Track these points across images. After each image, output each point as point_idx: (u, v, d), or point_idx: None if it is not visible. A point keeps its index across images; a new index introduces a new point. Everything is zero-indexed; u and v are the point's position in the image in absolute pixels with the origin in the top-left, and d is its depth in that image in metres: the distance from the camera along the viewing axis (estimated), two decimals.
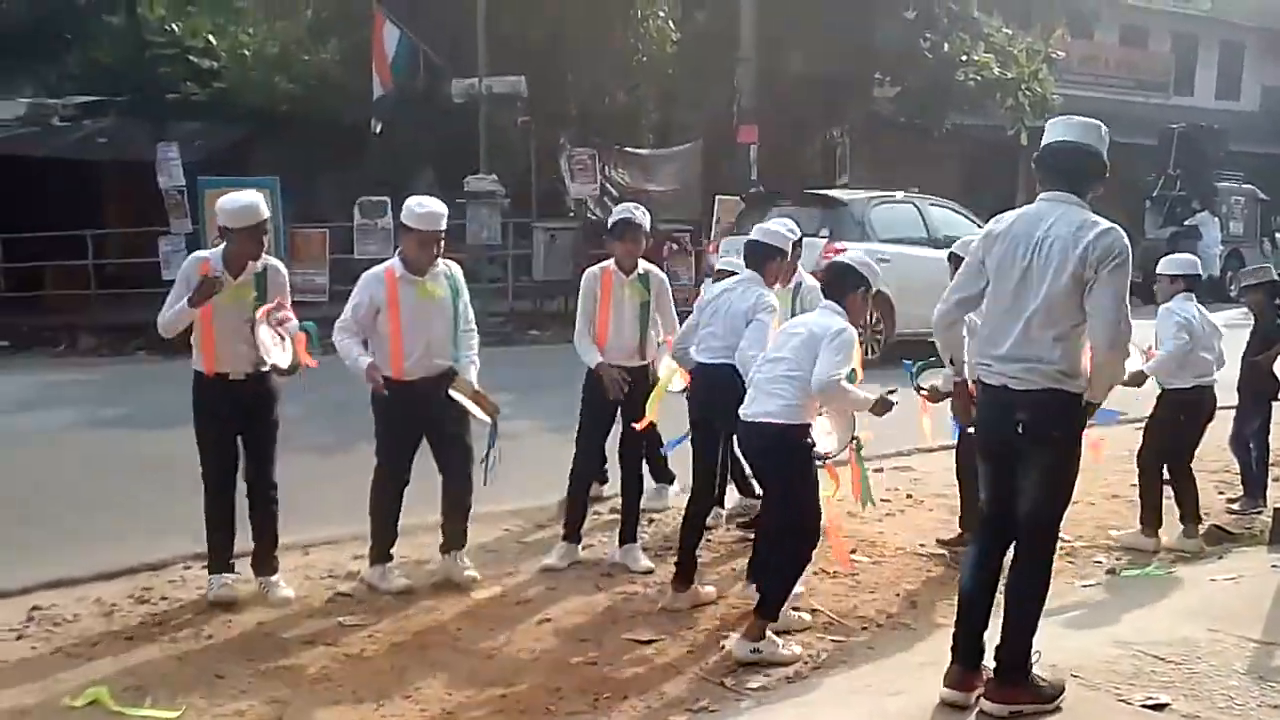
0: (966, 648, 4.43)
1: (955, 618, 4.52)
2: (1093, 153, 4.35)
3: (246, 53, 22.59)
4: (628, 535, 6.51)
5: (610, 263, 6.48)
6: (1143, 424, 7.17)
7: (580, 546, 6.54)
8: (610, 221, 6.58)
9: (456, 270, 6.13)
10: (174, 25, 22.84)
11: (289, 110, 21.08)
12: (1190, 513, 6.88)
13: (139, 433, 9.89)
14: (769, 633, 5.06)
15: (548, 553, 6.48)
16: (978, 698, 4.37)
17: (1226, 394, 7.94)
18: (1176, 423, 6.89)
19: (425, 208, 5.89)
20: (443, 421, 5.96)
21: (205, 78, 22.20)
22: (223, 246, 5.76)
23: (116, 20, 21.77)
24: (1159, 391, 6.94)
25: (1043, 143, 4.45)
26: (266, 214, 5.74)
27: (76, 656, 5.14)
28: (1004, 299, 4.34)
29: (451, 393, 5.87)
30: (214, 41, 22.86)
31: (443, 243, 5.99)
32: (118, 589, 5.97)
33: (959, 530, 6.64)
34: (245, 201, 5.69)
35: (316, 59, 21.90)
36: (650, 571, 6.27)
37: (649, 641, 5.34)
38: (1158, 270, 7.13)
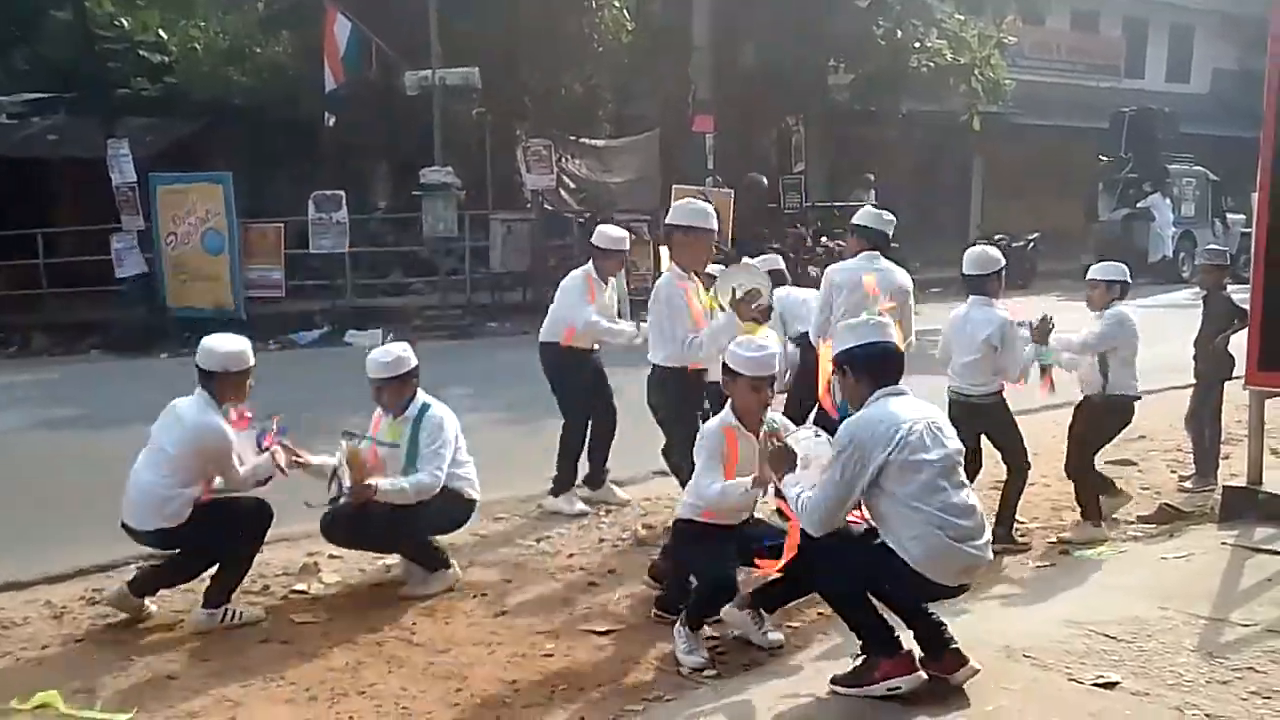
0: (889, 633, 4.49)
1: (860, 621, 4.52)
2: (901, 353, 4.69)
3: (197, 46, 22.36)
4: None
5: (730, 417, 5.16)
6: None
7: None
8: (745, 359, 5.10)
9: (429, 417, 5.87)
10: (123, 20, 22.57)
11: (241, 104, 20.89)
12: (1093, 507, 6.89)
13: (92, 432, 9.79)
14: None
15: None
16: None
17: (1182, 374, 8.05)
18: (1110, 431, 7.01)
19: (372, 357, 5.94)
20: None
21: (156, 72, 21.95)
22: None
23: (64, 15, 21.45)
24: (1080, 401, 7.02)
25: (849, 346, 4.59)
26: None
27: (26, 659, 5.09)
28: (935, 473, 4.42)
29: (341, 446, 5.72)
30: (164, 35, 22.61)
31: (396, 389, 5.88)
32: (68, 591, 5.93)
33: None
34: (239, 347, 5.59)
35: (269, 52, 21.72)
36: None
37: (606, 632, 5.34)
38: (1092, 276, 7.00)
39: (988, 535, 4.49)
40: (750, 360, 5.10)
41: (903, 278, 6.88)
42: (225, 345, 5.54)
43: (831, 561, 4.54)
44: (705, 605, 5.07)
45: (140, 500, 5.43)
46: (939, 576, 4.36)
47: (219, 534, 5.45)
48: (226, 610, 5.43)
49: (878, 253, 6.87)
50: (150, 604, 5.55)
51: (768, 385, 5.13)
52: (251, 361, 5.57)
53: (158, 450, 5.45)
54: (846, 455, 4.36)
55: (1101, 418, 6.89)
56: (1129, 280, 7.01)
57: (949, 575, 4.38)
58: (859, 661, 4.53)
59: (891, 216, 7.02)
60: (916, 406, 4.51)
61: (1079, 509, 6.85)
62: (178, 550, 5.52)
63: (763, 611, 5.15)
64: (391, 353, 5.94)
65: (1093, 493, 6.87)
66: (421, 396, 5.94)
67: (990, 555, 4.54)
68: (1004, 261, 6.77)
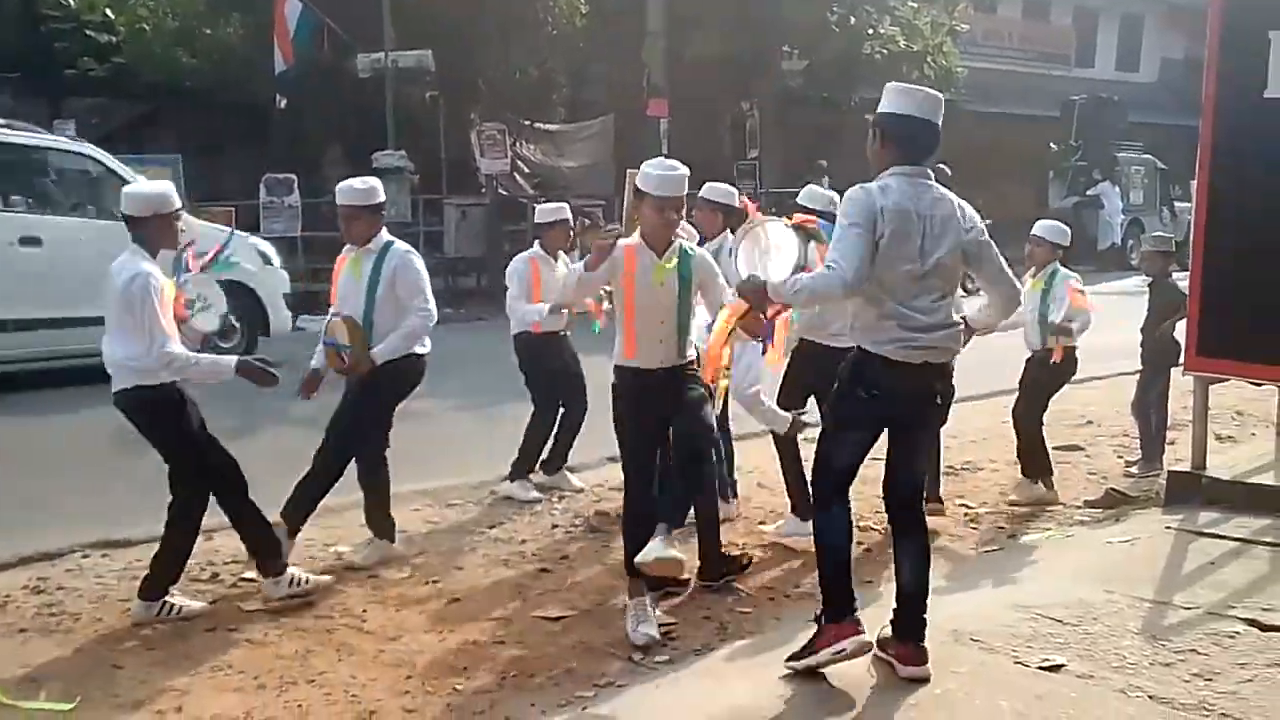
0: (850, 602, 4.48)
1: (835, 584, 4.48)
2: (939, 130, 4.49)
3: (146, 27, 21.97)
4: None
5: (634, 239, 5.15)
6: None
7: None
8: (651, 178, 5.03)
9: (394, 251, 5.91)
10: None
11: (191, 86, 20.62)
12: (1042, 467, 7.21)
13: (30, 419, 9.64)
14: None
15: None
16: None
17: (1130, 360, 8.15)
18: (1053, 383, 7.25)
19: (347, 184, 5.94)
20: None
21: (103, 53, 21.57)
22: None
23: None
24: (1030, 355, 7.28)
25: (889, 110, 4.44)
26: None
27: None
28: (910, 274, 4.31)
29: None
30: (111, 15, 22.21)
31: (367, 220, 5.89)
32: (11, 580, 5.82)
33: None
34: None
35: (219, 33, 21.41)
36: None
37: (558, 618, 5.33)
38: (1036, 233, 7.28)
39: (951, 331, 4.43)
40: (655, 178, 4.97)
41: None
42: (150, 188, 5.41)
43: (822, 453, 4.57)
44: (632, 525, 5.15)
45: (110, 364, 5.27)
46: (894, 355, 4.30)
47: (186, 438, 5.34)
48: (165, 604, 5.32)
49: None
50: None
51: (672, 209, 4.98)
52: (179, 202, 5.39)
53: (109, 316, 5.26)
54: (853, 220, 4.24)
55: (1046, 371, 7.15)
56: (1068, 245, 7.26)
57: (902, 354, 4.30)
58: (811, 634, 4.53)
59: (836, 195, 6.55)
60: (926, 193, 4.37)
61: (1019, 465, 6.99)
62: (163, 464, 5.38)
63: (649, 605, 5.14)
64: (368, 182, 5.95)
65: (1040, 449, 7.02)
66: (386, 234, 5.93)
67: (957, 347, 4.47)
68: None
